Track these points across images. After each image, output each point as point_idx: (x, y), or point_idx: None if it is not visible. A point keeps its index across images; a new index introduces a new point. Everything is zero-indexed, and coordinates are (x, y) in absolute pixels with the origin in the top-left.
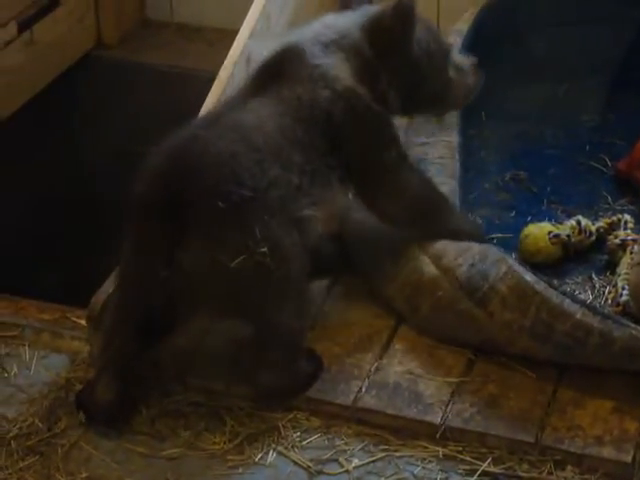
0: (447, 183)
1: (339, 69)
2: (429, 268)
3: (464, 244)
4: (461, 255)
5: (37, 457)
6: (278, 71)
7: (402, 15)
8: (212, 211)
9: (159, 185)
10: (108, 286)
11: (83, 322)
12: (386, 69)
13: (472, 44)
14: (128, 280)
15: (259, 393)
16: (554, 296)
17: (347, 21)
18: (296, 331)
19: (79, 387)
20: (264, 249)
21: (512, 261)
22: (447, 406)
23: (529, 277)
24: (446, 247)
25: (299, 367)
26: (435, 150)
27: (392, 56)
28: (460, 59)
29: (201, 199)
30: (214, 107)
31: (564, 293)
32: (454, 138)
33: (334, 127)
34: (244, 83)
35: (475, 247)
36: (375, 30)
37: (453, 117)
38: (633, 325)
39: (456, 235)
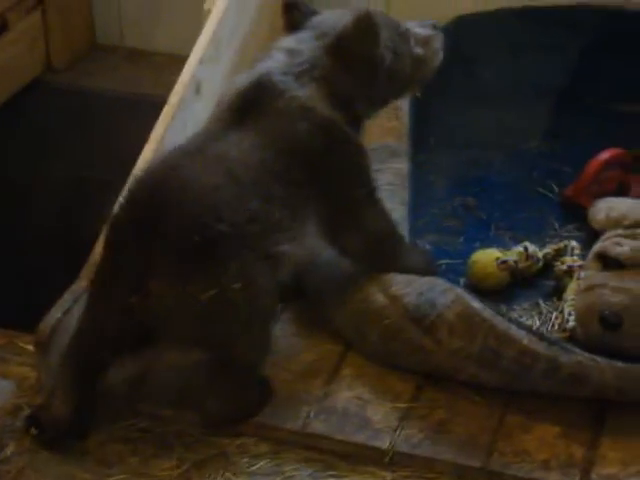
0: (397, 209)
1: (314, 99)
2: (377, 297)
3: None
4: (410, 284)
5: None
6: (254, 104)
7: (365, 30)
8: (188, 244)
9: (136, 213)
10: (56, 311)
11: (31, 347)
12: (360, 85)
13: None
14: (97, 302)
15: (206, 421)
16: (501, 323)
17: (310, 46)
18: (253, 364)
19: (26, 413)
20: (237, 285)
21: (460, 290)
22: (396, 431)
23: (476, 304)
24: (394, 277)
25: (248, 396)
26: (385, 177)
27: (364, 71)
28: (419, 31)
29: (178, 231)
30: (195, 137)
31: (510, 320)
32: (404, 165)
33: (314, 159)
34: (219, 114)
35: (423, 277)
36: (342, 52)
37: (404, 145)
38: (579, 351)
39: (409, 273)
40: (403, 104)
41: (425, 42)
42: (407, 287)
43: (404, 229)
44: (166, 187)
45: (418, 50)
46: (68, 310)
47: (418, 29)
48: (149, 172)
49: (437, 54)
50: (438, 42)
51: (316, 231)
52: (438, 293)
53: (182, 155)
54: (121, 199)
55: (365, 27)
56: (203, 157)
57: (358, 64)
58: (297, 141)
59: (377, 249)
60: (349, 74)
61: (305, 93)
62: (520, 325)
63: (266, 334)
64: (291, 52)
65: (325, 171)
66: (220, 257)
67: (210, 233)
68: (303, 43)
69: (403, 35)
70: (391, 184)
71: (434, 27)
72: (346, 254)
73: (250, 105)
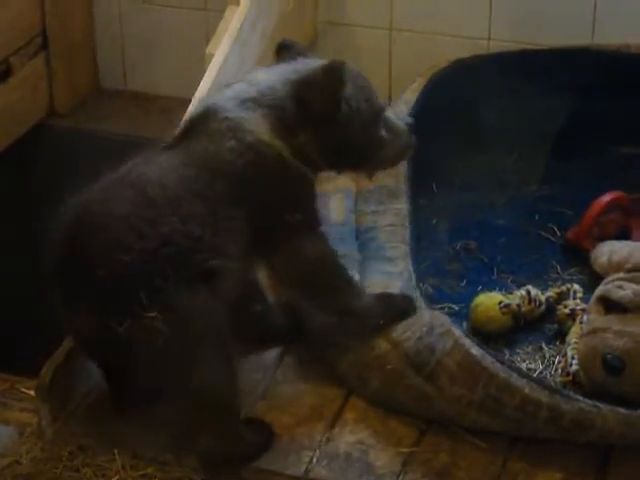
0: (398, 247)
1: (254, 124)
2: (379, 342)
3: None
4: (410, 328)
5: None
6: (191, 128)
7: (332, 76)
8: (95, 279)
9: (56, 251)
10: (58, 357)
11: (32, 393)
12: (310, 127)
13: (420, 114)
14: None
15: (203, 461)
16: (501, 371)
17: (273, 77)
18: (219, 394)
19: (27, 460)
20: (153, 314)
21: (458, 333)
22: (398, 476)
23: (475, 351)
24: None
25: (239, 431)
26: (384, 218)
27: (318, 115)
28: (394, 119)
29: (88, 267)
30: (126, 164)
31: (510, 367)
32: (403, 205)
33: (240, 178)
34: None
35: (424, 318)
36: (302, 88)
37: (402, 185)
38: (581, 399)
39: (349, 314)
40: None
41: (393, 131)
42: (407, 331)
43: (408, 266)
44: (78, 224)
45: (383, 132)
46: (70, 354)
47: (392, 115)
48: (67, 209)
49: (400, 149)
50: (405, 138)
51: (246, 249)
52: (436, 337)
53: (101, 187)
54: (48, 238)
55: (332, 74)
56: (120, 185)
57: (312, 103)
58: (222, 159)
59: (310, 279)
60: (301, 112)
61: (243, 116)
62: (521, 373)
63: (219, 358)
64: (251, 82)
65: (253, 192)
66: (129, 287)
67: (114, 265)
68: (269, 75)
69: (374, 108)
70: (392, 225)
71: (408, 124)
72: (283, 284)
73: (189, 128)
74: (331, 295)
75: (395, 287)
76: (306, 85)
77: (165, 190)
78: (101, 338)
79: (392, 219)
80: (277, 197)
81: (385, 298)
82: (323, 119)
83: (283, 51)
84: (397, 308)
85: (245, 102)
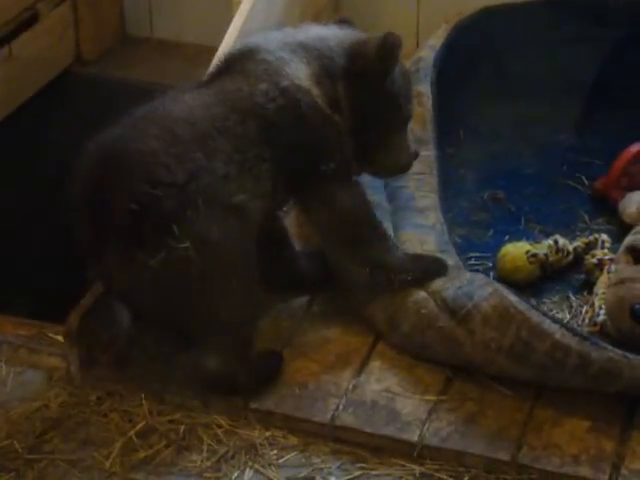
0: (428, 197)
1: (294, 67)
2: (416, 290)
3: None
4: (450, 280)
5: (12, 474)
6: (226, 67)
7: (390, 46)
8: (128, 213)
9: (85, 188)
10: (86, 302)
11: (60, 338)
12: (351, 85)
13: (445, 61)
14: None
15: (207, 382)
16: (535, 316)
17: (327, 31)
18: (238, 323)
19: (55, 404)
20: (185, 244)
21: (498, 285)
22: (424, 424)
23: (513, 297)
24: None
25: (248, 356)
26: (413, 165)
27: (365, 75)
28: (410, 139)
29: (117, 202)
30: (154, 101)
31: (545, 314)
32: (431, 152)
33: (270, 121)
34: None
35: (465, 274)
36: (360, 46)
37: (429, 132)
38: (610, 348)
39: (380, 267)
40: (425, 89)
41: (403, 147)
42: (447, 283)
43: (440, 218)
44: (106, 160)
45: (398, 139)
46: (98, 300)
47: (411, 135)
48: (94, 145)
49: (397, 166)
50: (406, 161)
51: (275, 190)
52: (477, 287)
53: (126, 123)
54: (74, 174)
55: (392, 44)
56: (147, 121)
57: (360, 68)
58: (254, 101)
59: (344, 229)
60: (349, 67)
61: (285, 58)
62: (554, 319)
63: (243, 290)
64: (300, 29)
65: (284, 136)
66: (161, 220)
67: (145, 199)
68: (322, 29)
69: (407, 107)
70: (420, 173)
71: (415, 153)
72: (319, 232)
73: (225, 67)
74: (364, 247)
75: (430, 242)
76: (364, 44)
77: (191, 127)
78: (132, 274)
79: (420, 167)
80: (310, 144)
81: (418, 258)
82: (367, 81)
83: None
84: (429, 268)
85: (290, 45)
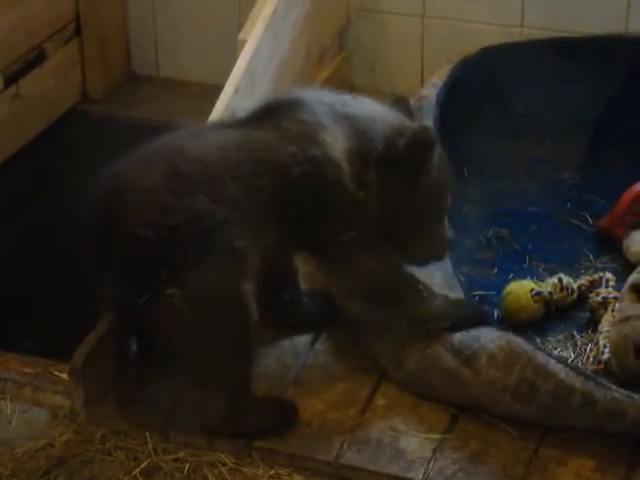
0: None
1: (331, 136)
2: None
3: None
4: None
5: None
6: (267, 114)
7: (417, 144)
8: (122, 250)
9: (91, 221)
10: (91, 340)
11: (65, 376)
12: (384, 173)
13: (448, 99)
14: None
15: (208, 425)
16: (540, 356)
17: (377, 110)
18: (228, 371)
19: (60, 442)
20: (171, 291)
21: (509, 334)
22: (429, 463)
23: (519, 339)
24: None
25: (247, 411)
26: None
27: (392, 170)
28: (447, 226)
29: (114, 238)
30: (171, 135)
31: (550, 354)
32: None
33: (290, 183)
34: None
35: None
36: (388, 137)
37: None
38: (615, 387)
39: (418, 320)
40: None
41: (438, 236)
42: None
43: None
44: (109, 195)
45: (432, 231)
46: (102, 338)
47: (447, 225)
48: (101, 177)
49: (433, 255)
50: (440, 249)
51: (277, 244)
52: (485, 331)
53: (138, 155)
54: (85, 206)
55: (428, 136)
56: (156, 156)
57: (405, 155)
58: (280, 159)
59: (376, 293)
60: (387, 154)
61: (325, 124)
62: (559, 359)
63: (229, 338)
64: (351, 100)
65: (301, 200)
66: (149, 262)
67: (136, 240)
68: (372, 106)
69: (442, 201)
70: None
71: (449, 241)
72: (341, 294)
73: (264, 113)
74: (399, 306)
75: (436, 277)
76: (398, 134)
77: (199, 166)
78: (128, 307)
79: None
80: (328, 216)
81: (456, 305)
82: (398, 170)
83: (396, 104)
84: (466, 315)
85: (337, 114)
